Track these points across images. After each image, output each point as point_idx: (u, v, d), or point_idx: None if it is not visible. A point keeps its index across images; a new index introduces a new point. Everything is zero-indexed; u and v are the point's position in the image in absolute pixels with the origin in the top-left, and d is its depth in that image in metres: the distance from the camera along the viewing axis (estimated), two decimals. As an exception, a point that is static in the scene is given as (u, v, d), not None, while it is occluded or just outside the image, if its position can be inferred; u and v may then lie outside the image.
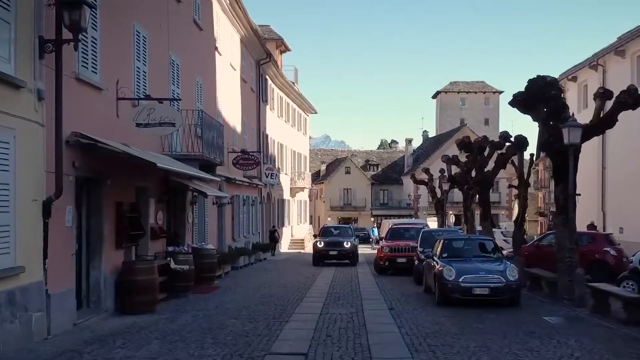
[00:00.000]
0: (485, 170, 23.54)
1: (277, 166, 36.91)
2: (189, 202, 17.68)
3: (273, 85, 35.78)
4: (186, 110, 15.77)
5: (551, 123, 15.33)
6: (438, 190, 37.97)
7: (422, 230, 21.48)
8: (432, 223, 44.17)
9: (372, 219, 70.74)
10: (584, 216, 23.35)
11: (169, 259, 14.40)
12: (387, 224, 29.36)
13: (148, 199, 14.25)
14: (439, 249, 14.63)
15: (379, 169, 77.15)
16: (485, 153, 23.29)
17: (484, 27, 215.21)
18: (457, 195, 59.34)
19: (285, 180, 40.14)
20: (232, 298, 14.98)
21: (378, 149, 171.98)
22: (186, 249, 15.04)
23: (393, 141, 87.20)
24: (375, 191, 73.45)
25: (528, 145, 20.55)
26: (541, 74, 15.03)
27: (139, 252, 13.63)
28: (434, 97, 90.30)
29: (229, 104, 24.13)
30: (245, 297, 14.97)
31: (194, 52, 18.97)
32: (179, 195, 17.11)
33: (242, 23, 25.67)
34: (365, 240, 59.44)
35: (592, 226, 24.22)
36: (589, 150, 21.43)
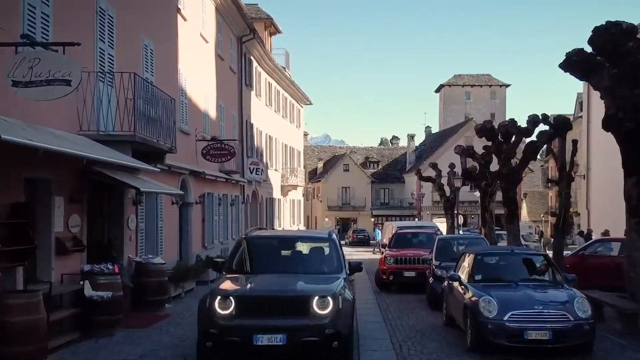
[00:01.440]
0: (512, 162, 19.20)
1: (265, 161, 32.56)
2: (131, 201, 13.34)
3: (260, 69, 31.43)
4: (121, 73, 11.48)
5: (621, 91, 10.96)
6: (447, 188, 33.72)
7: (437, 237, 16.95)
8: (440, 224, 39.87)
9: (372, 220, 66.46)
10: None
11: (82, 282, 10.08)
12: (390, 227, 25.00)
13: (51, 197, 9.93)
14: (468, 269, 10.22)
15: (380, 167, 72.88)
16: (511, 140, 18.93)
17: (490, 18, 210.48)
18: (464, 194, 54.98)
19: (275, 177, 35.81)
20: (179, 334, 10.69)
21: (379, 146, 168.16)
22: (111, 267, 10.67)
23: (394, 137, 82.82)
24: (375, 190, 69.19)
25: (571, 129, 16.23)
26: (610, 21, 10.61)
27: (31, 275, 9.32)
28: (437, 91, 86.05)
29: (198, 82, 19.80)
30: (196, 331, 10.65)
31: (142, 7, 14.66)
32: (114, 193, 12.78)
33: (217, -13, 21.38)
34: (365, 242, 55.12)
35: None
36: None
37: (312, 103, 45.68)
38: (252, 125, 29.29)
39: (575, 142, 16.79)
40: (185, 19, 18.10)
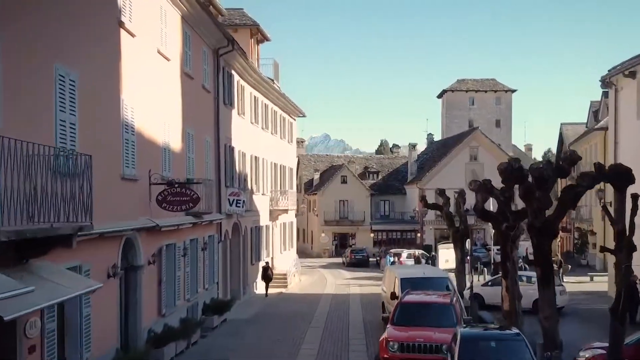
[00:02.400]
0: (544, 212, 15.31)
1: (250, 186, 28.73)
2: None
3: (243, 83, 27.59)
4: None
5: None
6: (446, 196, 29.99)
7: (460, 333, 12.33)
8: (447, 252, 35.93)
9: (372, 235, 62.64)
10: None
11: None
12: (392, 276, 20.98)
13: None
14: None
15: (379, 177, 69.00)
16: (547, 187, 15.00)
17: (495, 21, 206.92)
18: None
19: (263, 202, 31.95)
20: None
21: (378, 152, 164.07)
22: None
23: (395, 146, 78.87)
24: (375, 202, 65.29)
25: (633, 183, 12.32)
26: None
27: None
28: (440, 96, 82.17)
29: (154, 111, 15.96)
30: None
31: (55, 24, 10.81)
32: None
33: (182, -8, 17.53)
34: (364, 263, 51.15)
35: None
36: None
37: (305, 115, 41.84)
38: (232, 149, 25.46)
39: (636, 198, 12.72)
40: (132, 35, 14.25)
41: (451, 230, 29.27)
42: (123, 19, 13.63)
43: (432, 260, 40.50)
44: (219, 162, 23.00)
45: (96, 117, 12.11)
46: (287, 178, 38.81)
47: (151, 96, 15.80)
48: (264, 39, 33.28)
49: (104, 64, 12.79)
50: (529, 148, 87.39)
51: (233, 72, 25.68)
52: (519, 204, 19.80)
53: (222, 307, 21.28)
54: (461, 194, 28.80)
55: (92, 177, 9.88)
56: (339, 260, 55.35)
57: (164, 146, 16.66)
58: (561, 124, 66.22)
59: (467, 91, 78.78)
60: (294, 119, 41.41)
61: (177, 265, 17.39)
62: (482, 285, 25.43)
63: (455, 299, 16.64)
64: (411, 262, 39.39)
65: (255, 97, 30.06)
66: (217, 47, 22.69)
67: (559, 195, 15.28)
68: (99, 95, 12.41)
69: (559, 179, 16.11)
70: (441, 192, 30.92)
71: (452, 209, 30.56)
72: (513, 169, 15.66)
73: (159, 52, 16.43)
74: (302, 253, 65.64)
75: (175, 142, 17.79)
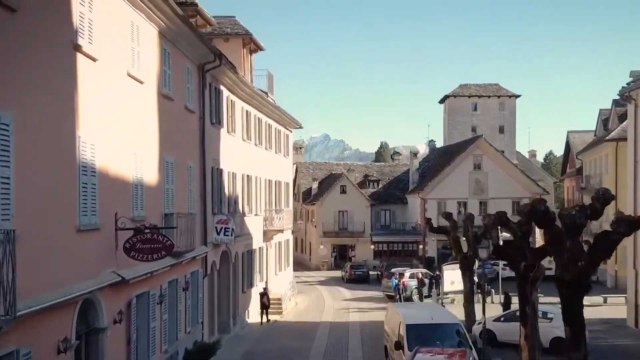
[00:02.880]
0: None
1: (241, 209, 26.65)
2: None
3: (234, 98, 25.49)
4: None
5: None
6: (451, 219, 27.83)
7: None
8: (452, 273, 33.74)
9: (372, 247, 60.51)
10: None
11: None
12: (396, 319, 18.81)
13: None
14: None
15: (380, 186, 66.82)
16: (580, 238, 12.90)
17: (498, 25, 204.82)
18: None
19: (256, 223, 29.86)
20: None
21: (378, 155, 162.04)
22: None
23: (395, 153, 76.72)
24: (375, 212, 63.15)
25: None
26: None
27: None
28: (442, 101, 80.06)
29: (122, 143, 13.85)
30: None
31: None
32: None
33: (158, 6, 15.40)
34: (364, 279, 48.95)
35: None
36: None
37: (302, 127, 39.73)
38: (220, 172, 23.37)
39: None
40: (93, 59, 12.14)
41: (459, 257, 27.13)
42: (80, 41, 11.51)
43: (436, 281, 38.35)
44: (204, 189, 20.89)
45: (40, 165, 10.02)
46: (283, 194, 36.70)
47: (119, 127, 13.70)
48: (258, 48, 31.19)
49: (54, 98, 10.67)
50: (532, 154, 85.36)
51: (222, 87, 23.60)
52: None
53: (206, 351, 19.14)
54: (469, 218, 26.66)
55: (15, 255, 7.75)
56: (338, 273, 53.20)
57: (135, 182, 14.55)
58: (568, 132, 64.10)
59: (469, 96, 76.66)
60: (290, 131, 39.32)
61: (151, 316, 15.27)
62: (494, 320, 23.31)
63: (471, 359, 14.55)
64: (414, 282, 37.23)
65: (247, 111, 27.96)
66: (203, 62, 20.61)
67: (592, 243, 13.20)
68: (46, 136, 10.29)
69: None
70: (447, 216, 28.68)
71: (458, 216, 28.42)
72: (538, 211, 13.55)
73: (129, 74, 14.32)
74: (300, 264, 63.57)
75: (150, 175, 15.69)
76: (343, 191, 60.80)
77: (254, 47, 30.69)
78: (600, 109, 53.90)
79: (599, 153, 48.82)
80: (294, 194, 68.40)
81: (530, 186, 60.11)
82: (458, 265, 28.85)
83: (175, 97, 17.73)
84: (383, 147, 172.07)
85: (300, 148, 78.60)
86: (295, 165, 68.80)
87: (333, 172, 66.87)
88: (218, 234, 22.05)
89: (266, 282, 31.74)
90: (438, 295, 35.29)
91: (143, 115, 15.44)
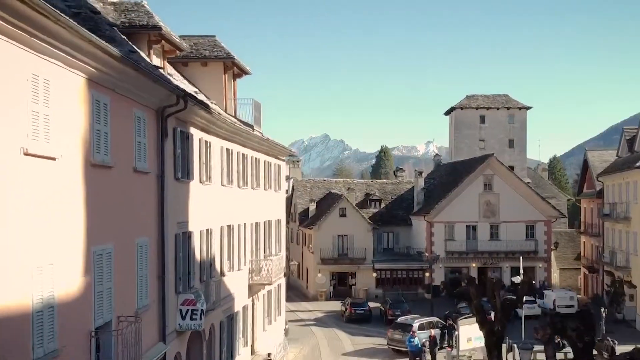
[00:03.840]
0: None
1: (219, 269, 22.12)
2: None
3: (209, 138, 20.95)
4: None
5: None
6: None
7: None
8: (469, 329, 29.06)
9: (374, 275, 55.99)
10: None
11: None
12: None
13: None
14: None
15: (382, 206, 62.28)
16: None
17: (506, 33, 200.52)
18: (483, 243, 45.96)
19: (239, 279, 25.31)
20: None
21: (378, 162, 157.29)
22: None
23: (399, 169, 72.13)
24: (377, 234, 58.62)
25: None
26: None
27: None
28: (448, 113, 75.55)
29: (15, 255, 9.31)
30: None
31: None
32: None
33: (80, 50, 10.87)
34: (366, 319, 44.30)
35: None
36: None
37: (296, 154, 35.20)
38: (189, 236, 18.84)
39: None
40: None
41: (483, 330, 22.51)
42: None
43: (449, 332, 33.81)
44: (163, 267, 16.36)
45: None
46: (274, 235, 32.13)
47: (8, 232, 9.17)
48: (242, 72, 26.70)
49: None
50: (544, 168, 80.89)
51: (192, 129, 19.07)
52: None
53: None
54: (498, 283, 22.07)
55: None
56: (338, 305, 48.40)
57: (38, 305, 10.01)
58: (586, 150, 59.67)
59: (477, 108, 72.18)
60: (283, 160, 34.81)
61: None
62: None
63: None
64: (424, 335, 32.64)
65: (228, 150, 23.42)
66: (162, 105, 16.10)
67: None
68: None
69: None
70: (470, 281, 23.77)
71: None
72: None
73: (26, 153, 9.78)
74: (296, 291, 59.03)
75: (69, 283, 11.15)
76: (342, 214, 56.24)
77: (238, 71, 26.19)
78: (624, 128, 49.48)
79: (625, 179, 44.31)
80: (290, 214, 64.06)
81: (545, 209, 55.63)
82: (475, 319, 24.41)
83: (114, 161, 13.19)
84: (384, 151, 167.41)
85: (298, 162, 74.13)
86: (291, 182, 64.36)
87: (332, 191, 62.27)
88: (183, 318, 17.57)
89: (251, 347, 27.19)
90: (452, 350, 30.77)
91: (56, 203, 10.89)
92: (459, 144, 72.50)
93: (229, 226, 23.55)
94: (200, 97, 20.83)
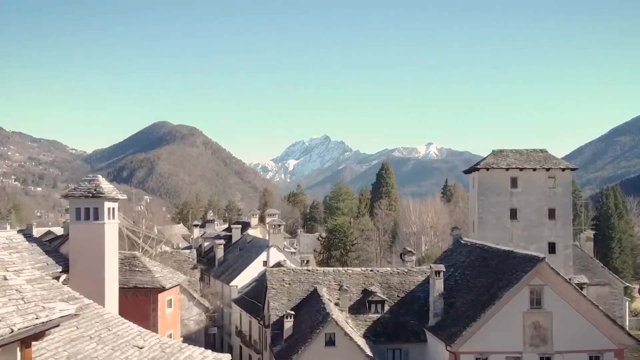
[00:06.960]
0: None
1: None
2: None
3: None
4: None
5: None
6: None
7: None
8: None
9: None
10: None
11: None
12: None
13: None
14: None
15: (385, 309, 45.96)
16: None
17: (504, 32, 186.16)
18: None
19: None
20: None
21: (379, 180, 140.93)
22: None
23: (408, 252, 55.53)
24: (379, 351, 42.38)
25: None
26: None
27: None
28: (468, 172, 59.34)
29: None
30: None
31: None
32: None
33: None
34: None
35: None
36: None
37: None
38: None
39: None
40: None
41: None
42: None
43: None
44: None
45: None
46: None
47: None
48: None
49: None
50: (588, 237, 64.41)
51: None
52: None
53: None
54: None
55: None
56: None
57: None
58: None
59: (507, 169, 56.00)
60: None
61: None
62: None
63: None
64: None
65: None
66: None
67: None
68: None
69: None
70: None
71: None
72: None
73: None
74: None
75: None
76: (330, 341, 39.85)
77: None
78: None
79: None
80: (261, 322, 48.11)
81: (616, 334, 39.31)
82: None
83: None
84: (385, 167, 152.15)
85: (280, 226, 57.79)
86: (264, 272, 48.32)
87: (318, 288, 45.91)
88: None
89: None
90: None
91: None
92: (484, 214, 56.26)
93: None
94: None
